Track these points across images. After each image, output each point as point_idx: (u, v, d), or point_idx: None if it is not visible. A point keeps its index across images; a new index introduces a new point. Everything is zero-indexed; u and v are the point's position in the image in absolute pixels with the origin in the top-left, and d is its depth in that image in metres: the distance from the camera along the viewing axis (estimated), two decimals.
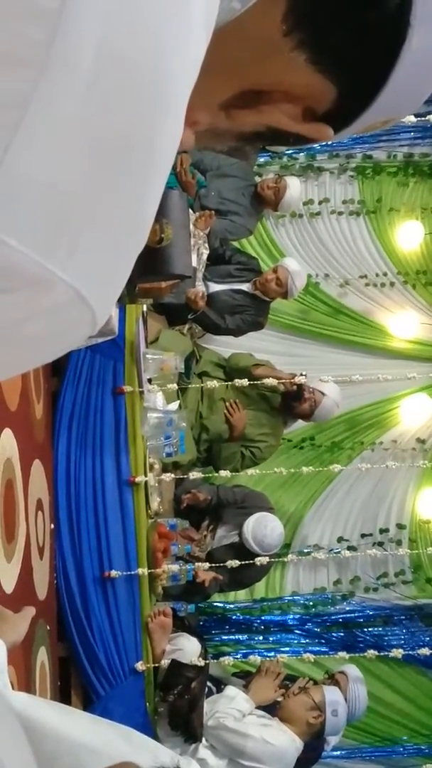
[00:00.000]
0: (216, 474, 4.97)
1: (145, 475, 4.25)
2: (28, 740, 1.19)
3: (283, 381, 5.04)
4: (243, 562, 4.60)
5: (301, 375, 4.98)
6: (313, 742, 4.30)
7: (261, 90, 0.69)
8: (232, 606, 5.96)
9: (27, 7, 0.51)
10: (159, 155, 0.57)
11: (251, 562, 4.62)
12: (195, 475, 4.65)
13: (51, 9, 0.51)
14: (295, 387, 5.09)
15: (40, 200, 0.53)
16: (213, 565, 4.66)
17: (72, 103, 0.52)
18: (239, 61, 0.68)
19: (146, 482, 4.26)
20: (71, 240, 0.55)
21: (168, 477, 4.52)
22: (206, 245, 5.36)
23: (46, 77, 0.51)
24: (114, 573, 4.13)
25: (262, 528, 4.89)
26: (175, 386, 4.50)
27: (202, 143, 0.69)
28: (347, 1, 0.64)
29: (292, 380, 4.99)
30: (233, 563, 4.58)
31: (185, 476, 4.66)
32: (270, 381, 4.87)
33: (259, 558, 4.65)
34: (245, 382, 4.72)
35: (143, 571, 4.16)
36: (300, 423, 5.72)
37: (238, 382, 4.74)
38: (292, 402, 5.26)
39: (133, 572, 4.16)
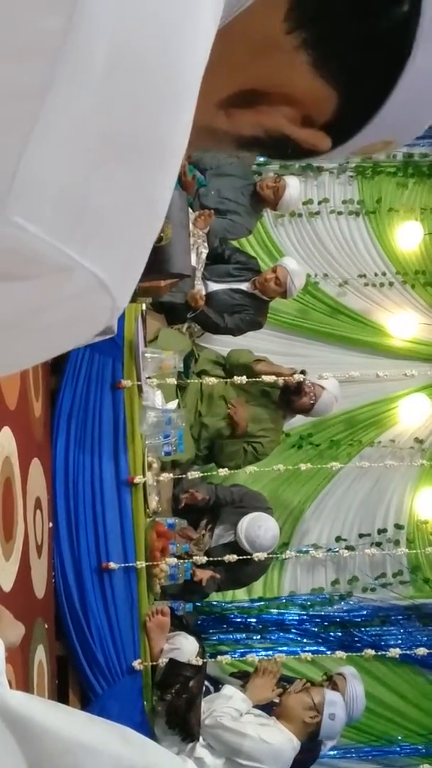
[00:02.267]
0: (214, 473, 4.98)
1: (144, 474, 4.25)
2: (26, 739, 1.19)
3: (284, 376, 5.05)
4: (240, 557, 4.62)
5: (301, 372, 4.99)
6: (309, 744, 4.30)
7: (261, 91, 0.69)
8: (230, 605, 5.96)
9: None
10: (171, 146, 0.58)
11: (249, 557, 4.64)
12: (193, 474, 4.66)
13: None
14: (295, 383, 5.10)
15: (59, 189, 0.54)
16: (211, 558, 4.67)
17: (87, 95, 0.53)
18: (240, 59, 0.67)
19: (144, 481, 4.27)
20: (90, 227, 0.56)
21: (166, 477, 4.53)
22: (205, 244, 5.37)
23: (61, 69, 0.52)
24: (112, 564, 4.13)
25: (256, 528, 4.89)
26: (173, 380, 4.51)
27: (201, 146, 0.70)
28: (352, 5, 0.64)
29: (291, 375, 5.00)
30: (231, 558, 4.59)
31: (183, 475, 4.66)
32: (270, 378, 4.89)
33: (257, 554, 4.67)
34: (244, 379, 4.73)
35: (141, 563, 4.17)
36: (298, 419, 5.72)
37: (237, 379, 4.75)
38: (291, 396, 5.27)
39: (131, 565, 4.16)
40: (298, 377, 4.97)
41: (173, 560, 4.36)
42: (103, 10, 0.53)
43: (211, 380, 4.86)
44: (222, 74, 0.66)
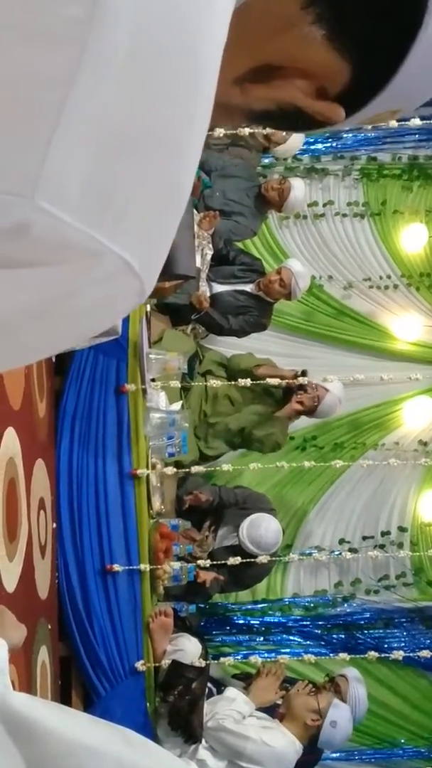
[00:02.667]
0: (218, 468, 4.99)
1: (148, 468, 4.25)
2: (28, 741, 1.19)
3: (287, 380, 5.05)
4: (244, 561, 4.61)
5: (302, 373, 4.99)
6: (310, 747, 4.29)
7: (277, 65, 0.70)
8: (233, 607, 5.96)
9: None
10: (192, 131, 0.59)
11: (252, 560, 4.64)
12: (197, 469, 4.64)
13: None
14: (298, 385, 5.10)
15: (86, 175, 0.55)
16: (214, 562, 4.67)
17: (111, 83, 0.54)
18: (256, 35, 0.68)
19: (148, 481, 4.27)
20: (117, 212, 0.57)
21: (170, 470, 4.51)
22: (210, 246, 5.37)
23: (86, 57, 0.54)
24: (116, 567, 4.14)
25: (256, 528, 4.88)
26: (177, 383, 4.51)
27: (212, 120, 0.70)
28: None
29: (294, 378, 5.01)
30: (235, 560, 4.59)
31: (188, 469, 4.65)
32: (273, 381, 4.90)
33: (260, 557, 4.67)
34: (248, 381, 4.74)
35: (145, 566, 4.17)
36: (303, 421, 5.72)
37: (242, 381, 4.76)
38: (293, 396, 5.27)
39: (134, 567, 4.16)
40: (302, 380, 4.97)
41: (177, 564, 4.36)
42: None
43: (215, 383, 4.87)
44: (238, 52, 0.67)
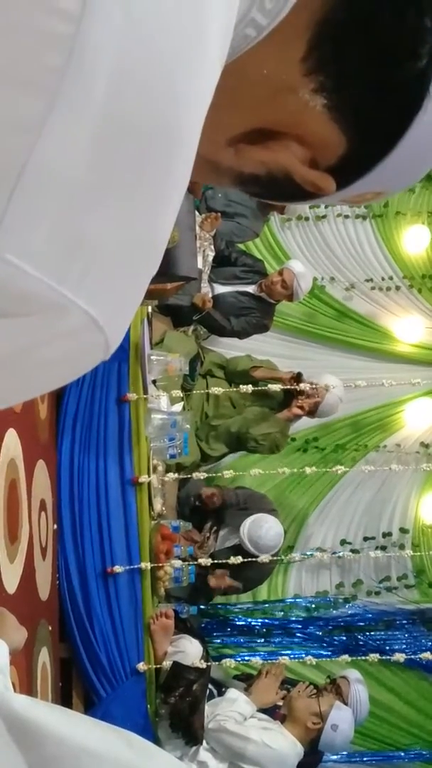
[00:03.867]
0: (219, 475, 4.98)
1: (149, 476, 4.25)
2: (29, 743, 1.19)
3: (286, 384, 5.05)
4: (245, 561, 4.60)
5: (297, 375, 5.00)
6: (311, 749, 4.28)
7: (274, 130, 0.68)
8: (234, 608, 5.95)
9: (42, 32, 0.51)
10: (171, 184, 0.57)
11: (253, 561, 4.63)
12: (198, 475, 4.65)
13: (66, 35, 0.51)
14: (297, 390, 5.10)
15: (54, 226, 0.53)
16: (215, 561, 4.66)
17: (85, 130, 0.52)
18: (254, 97, 0.66)
19: (149, 483, 4.26)
20: (84, 265, 0.55)
21: (172, 476, 4.52)
22: (212, 247, 5.37)
23: (60, 102, 0.51)
24: (117, 568, 4.13)
25: (257, 529, 4.88)
26: (180, 393, 4.51)
27: (200, 178, 0.69)
28: (372, 54, 0.64)
29: (290, 379, 5.00)
30: (236, 559, 4.58)
31: (189, 475, 4.66)
32: (273, 387, 4.90)
33: (261, 556, 4.66)
34: (249, 388, 4.75)
35: (146, 565, 4.16)
36: (304, 422, 5.71)
37: (243, 388, 4.76)
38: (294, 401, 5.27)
39: (135, 569, 4.16)
40: (303, 386, 4.97)
41: (177, 563, 4.36)
42: (105, 42, 0.52)
43: (217, 390, 4.88)
44: (233, 112, 0.66)
